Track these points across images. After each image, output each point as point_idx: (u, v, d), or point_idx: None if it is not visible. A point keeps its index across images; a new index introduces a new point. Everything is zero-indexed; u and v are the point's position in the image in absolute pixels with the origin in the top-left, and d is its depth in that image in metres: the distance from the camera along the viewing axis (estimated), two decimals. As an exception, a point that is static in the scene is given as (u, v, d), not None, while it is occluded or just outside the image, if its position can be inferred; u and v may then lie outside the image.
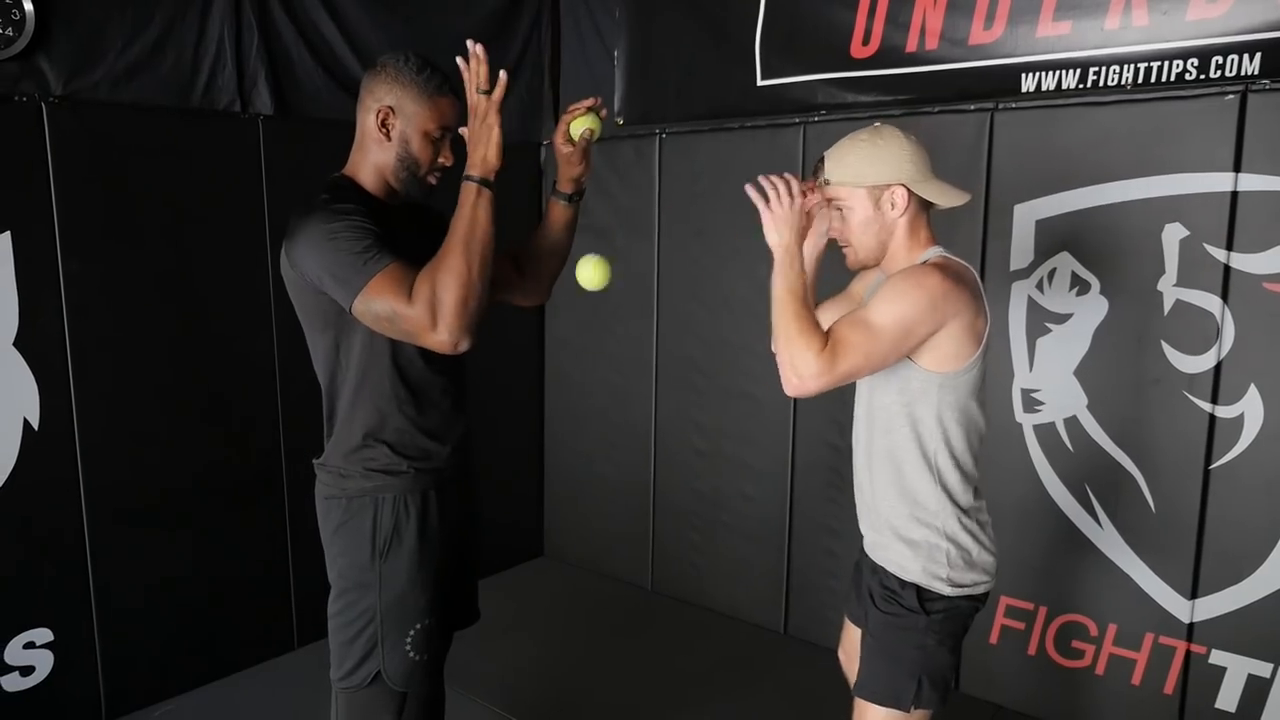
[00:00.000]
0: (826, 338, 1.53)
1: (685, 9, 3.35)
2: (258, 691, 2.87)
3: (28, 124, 2.38)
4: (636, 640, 3.31)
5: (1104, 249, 2.50)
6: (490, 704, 2.79)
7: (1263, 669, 2.37)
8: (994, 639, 2.78)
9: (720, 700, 2.88)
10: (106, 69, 2.53)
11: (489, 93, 1.52)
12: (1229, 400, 2.35)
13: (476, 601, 1.94)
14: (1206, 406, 2.38)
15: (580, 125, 1.71)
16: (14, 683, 2.47)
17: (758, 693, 2.93)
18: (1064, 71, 2.56)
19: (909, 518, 1.68)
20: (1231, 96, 2.27)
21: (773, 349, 1.61)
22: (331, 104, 3.03)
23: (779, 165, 3.06)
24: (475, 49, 1.51)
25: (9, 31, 2.32)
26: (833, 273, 1.87)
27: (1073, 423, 2.60)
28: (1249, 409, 2.33)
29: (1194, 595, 2.45)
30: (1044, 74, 2.59)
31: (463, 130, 1.60)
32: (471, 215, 1.51)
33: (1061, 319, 2.59)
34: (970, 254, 2.69)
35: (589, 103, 1.72)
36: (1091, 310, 2.53)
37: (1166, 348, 2.42)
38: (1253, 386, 2.32)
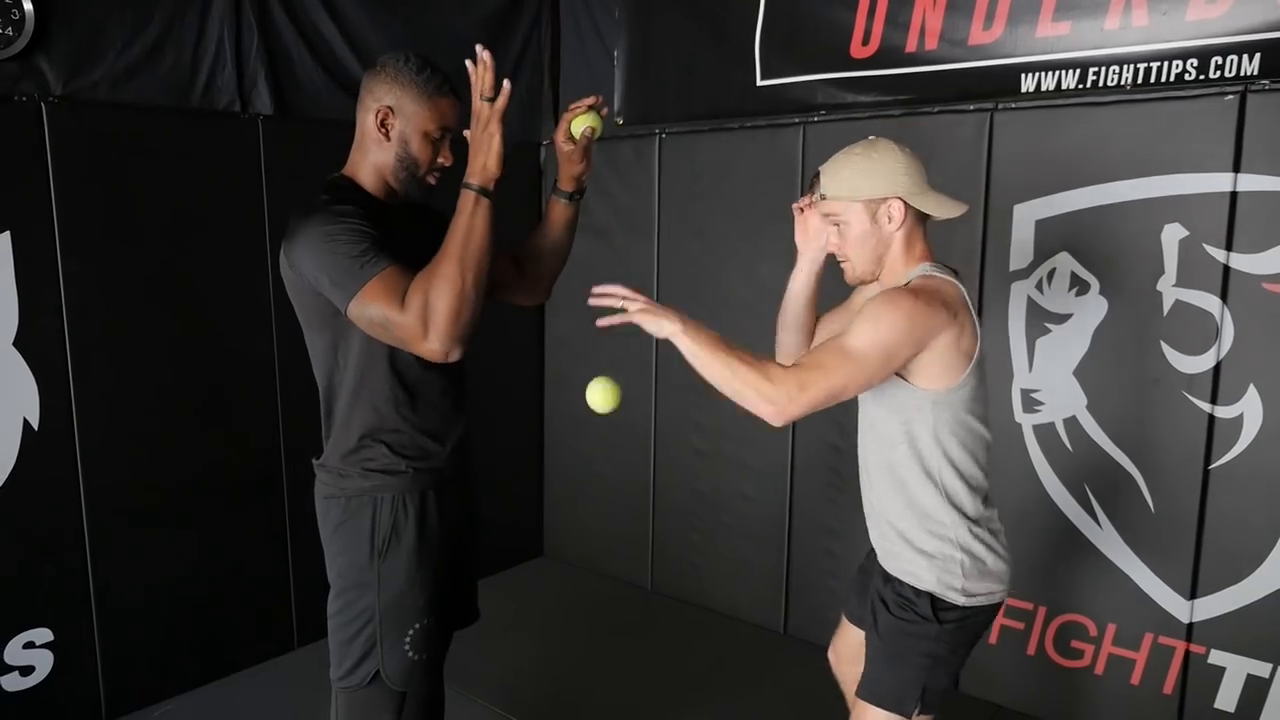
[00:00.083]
0: (773, 362, 1.52)
1: (685, 9, 3.35)
2: (258, 691, 2.87)
3: (27, 124, 2.38)
4: (636, 640, 3.31)
5: (1103, 249, 2.50)
6: (490, 704, 2.79)
7: (1262, 669, 2.37)
8: (993, 639, 2.78)
9: (720, 700, 2.88)
10: (106, 69, 2.53)
11: (493, 100, 1.50)
12: (1228, 400, 2.35)
13: (476, 601, 1.94)
14: (1206, 407, 2.38)
15: (581, 123, 1.71)
16: (14, 682, 2.48)
17: (757, 693, 2.93)
18: (1063, 72, 2.56)
19: (920, 530, 1.67)
20: (1231, 97, 2.27)
21: (736, 404, 1.55)
22: (331, 104, 3.03)
23: (779, 165, 3.11)
24: (483, 55, 1.50)
25: (9, 31, 2.33)
26: (833, 285, 1.88)
27: (1072, 423, 2.60)
28: (1248, 409, 2.33)
29: (1193, 595, 2.45)
30: (1043, 74, 2.59)
31: (467, 133, 1.59)
32: (469, 224, 1.50)
33: (1061, 319, 2.59)
34: (970, 254, 2.70)
35: (590, 101, 1.72)
36: (1091, 310, 2.53)
37: (1166, 348, 2.42)
38: (1252, 387, 2.32)
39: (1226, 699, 2.43)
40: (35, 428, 2.45)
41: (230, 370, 2.86)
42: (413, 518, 1.67)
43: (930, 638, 1.65)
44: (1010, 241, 2.64)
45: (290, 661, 3.05)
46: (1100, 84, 2.50)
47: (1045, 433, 2.65)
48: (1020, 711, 2.77)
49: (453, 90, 1.66)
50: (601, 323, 1.57)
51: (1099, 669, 2.62)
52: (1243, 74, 2.29)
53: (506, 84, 1.50)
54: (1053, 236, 2.57)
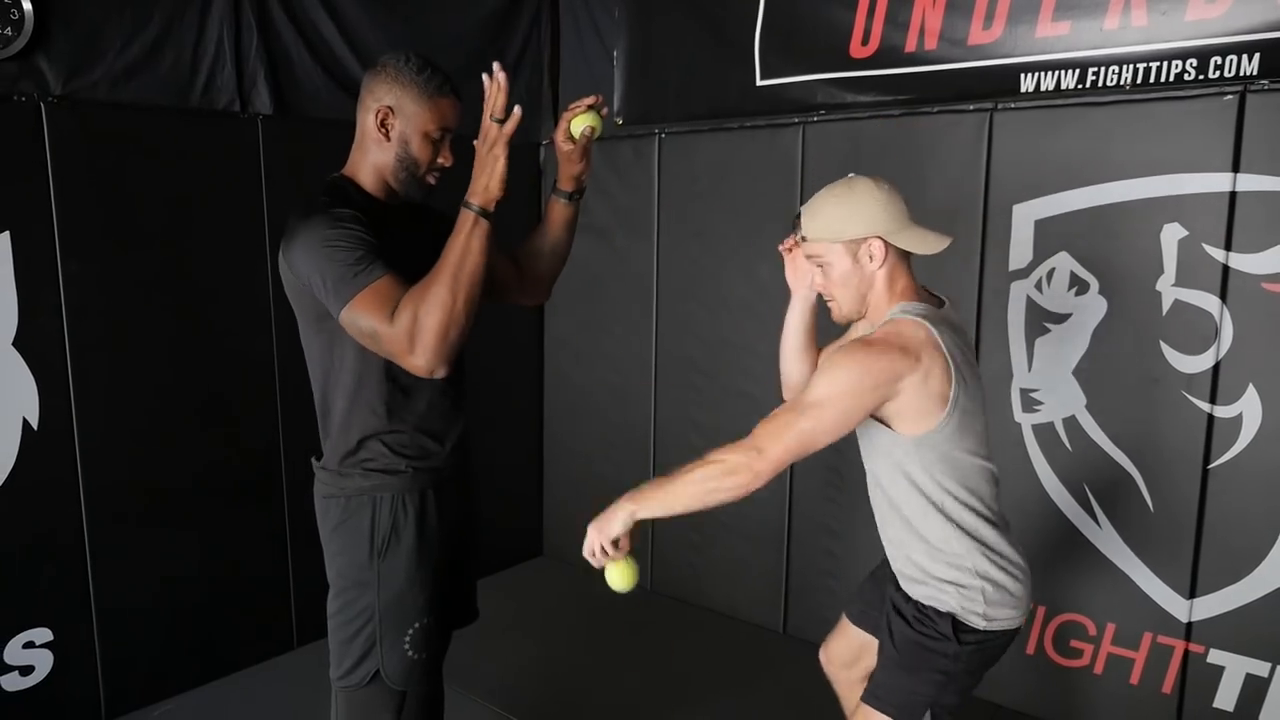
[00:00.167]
0: (722, 447, 1.55)
1: (685, 9, 3.35)
2: (257, 691, 2.87)
3: (27, 124, 2.38)
4: (636, 640, 3.31)
5: (1103, 249, 2.50)
6: (489, 703, 2.79)
7: (1261, 668, 2.37)
8: (993, 638, 2.78)
9: (719, 700, 2.88)
10: (106, 69, 2.53)
11: (502, 122, 1.50)
12: (1227, 400, 2.35)
13: (475, 600, 1.94)
14: (1205, 406, 2.38)
15: (581, 123, 1.71)
16: (13, 682, 2.48)
17: (756, 692, 2.94)
18: (1063, 72, 2.56)
19: (938, 562, 1.67)
20: (1230, 97, 2.28)
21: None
22: (331, 104, 3.03)
23: (778, 165, 3.11)
24: (499, 76, 1.50)
25: (8, 31, 2.32)
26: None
27: (1071, 423, 2.60)
28: (1247, 409, 2.33)
29: (1192, 595, 2.45)
30: (1043, 74, 2.59)
31: (477, 142, 1.58)
32: (465, 245, 1.50)
33: (1060, 319, 2.59)
34: (969, 254, 2.70)
35: (590, 101, 1.72)
36: (1090, 310, 2.53)
37: (1165, 348, 2.42)
38: (1251, 386, 2.32)
39: (1225, 698, 2.43)
40: (35, 427, 2.45)
41: (230, 370, 2.86)
42: (412, 517, 1.67)
43: (948, 655, 1.65)
44: (1010, 241, 2.64)
45: (290, 661, 3.05)
46: (1100, 84, 2.50)
47: (1044, 432, 2.65)
48: (1019, 711, 2.77)
49: (453, 91, 1.66)
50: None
51: (1098, 668, 2.63)
52: (1242, 74, 2.29)
53: (517, 110, 1.50)
54: (1052, 236, 2.57)
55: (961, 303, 2.74)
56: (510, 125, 1.50)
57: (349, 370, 1.62)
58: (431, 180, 1.69)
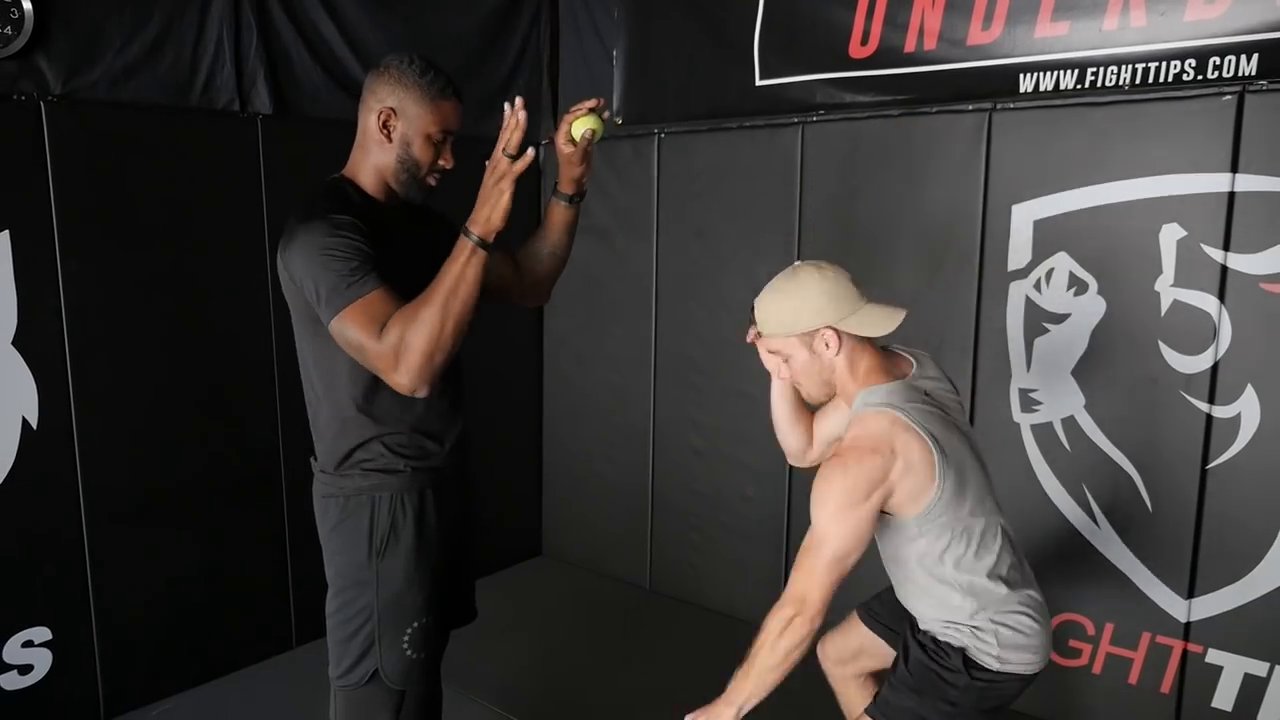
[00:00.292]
0: (769, 621, 1.56)
1: (684, 9, 3.35)
2: (256, 690, 2.87)
3: (27, 123, 2.38)
4: (635, 640, 3.31)
5: (1102, 249, 2.50)
6: (488, 703, 2.79)
7: (1259, 668, 2.38)
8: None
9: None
10: (105, 68, 2.53)
11: (514, 158, 1.50)
12: (1226, 400, 2.35)
13: (474, 600, 1.94)
14: (1203, 406, 2.38)
15: (582, 126, 1.71)
16: (12, 681, 2.48)
17: (756, 692, 2.93)
18: (1062, 72, 2.56)
19: (956, 616, 1.68)
20: (1229, 97, 2.28)
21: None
22: (330, 103, 3.03)
23: (777, 165, 3.11)
24: (519, 113, 1.50)
25: (8, 30, 2.32)
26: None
27: (1070, 423, 2.60)
28: (1246, 409, 2.33)
29: (1191, 594, 2.46)
30: (1042, 74, 2.59)
31: (488, 162, 1.57)
32: (460, 273, 1.50)
33: (1059, 319, 2.59)
34: (968, 254, 2.70)
35: (591, 104, 1.72)
36: (1089, 310, 2.53)
37: (1164, 348, 2.42)
38: (1249, 386, 2.32)
39: (1224, 698, 2.43)
40: (34, 427, 2.45)
41: (229, 369, 2.86)
42: (411, 517, 1.67)
43: (959, 687, 1.67)
44: (1008, 242, 2.64)
45: (289, 660, 3.05)
46: (1099, 84, 2.50)
47: (1043, 432, 2.65)
48: (1018, 710, 2.75)
49: (456, 93, 1.66)
50: None
51: (1097, 668, 2.63)
52: (1241, 74, 2.29)
53: (531, 150, 1.50)
54: (1051, 236, 2.57)
55: (960, 303, 2.75)
56: (521, 164, 1.50)
57: (347, 370, 1.62)
58: (432, 182, 1.69)
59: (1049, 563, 2.67)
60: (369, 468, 1.65)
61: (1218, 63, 2.32)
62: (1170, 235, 2.38)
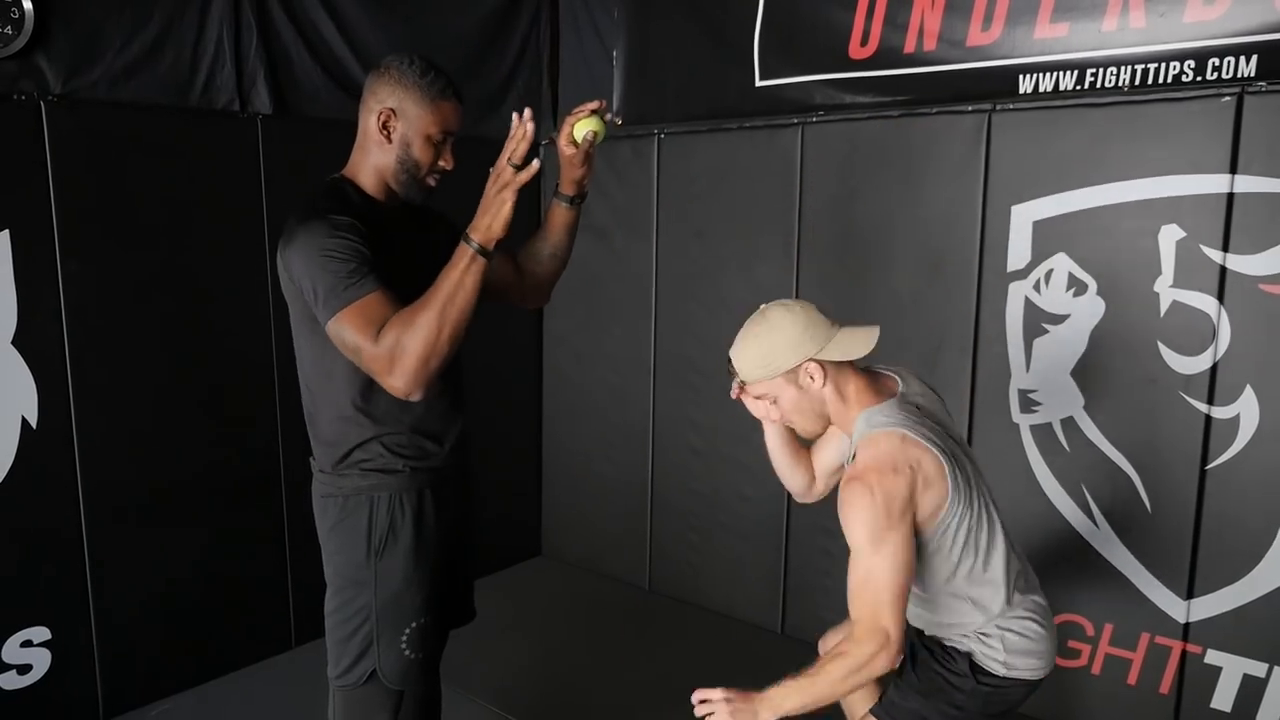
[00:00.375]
0: (840, 645, 1.54)
1: (684, 9, 3.35)
2: (255, 690, 2.87)
3: (27, 123, 2.38)
4: (634, 640, 3.31)
5: (1101, 250, 2.50)
6: (488, 703, 2.79)
7: (1258, 669, 2.38)
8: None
9: (717, 700, 2.88)
10: (105, 68, 2.53)
11: (518, 169, 1.51)
12: (1225, 401, 2.36)
13: (472, 600, 1.94)
14: (1203, 407, 2.38)
15: (584, 128, 1.71)
16: (11, 681, 2.47)
17: (755, 692, 2.93)
18: (1061, 73, 2.56)
19: (961, 626, 1.70)
20: (1228, 98, 2.28)
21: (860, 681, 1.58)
22: (330, 103, 3.03)
23: (777, 166, 3.11)
24: (527, 126, 1.51)
25: (8, 30, 2.33)
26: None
27: (1069, 423, 2.60)
28: (1245, 409, 2.33)
29: (1190, 595, 2.46)
30: (1042, 75, 2.60)
31: (492, 168, 1.57)
32: (458, 280, 1.50)
33: (1058, 320, 2.59)
34: (968, 255, 2.70)
35: (593, 106, 1.72)
36: (1088, 311, 2.53)
37: (1163, 348, 2.42)
38: (1248, 387, 2.33)
39: (1223, 699, 2.43)
40: (34, 426, 2.45)
41: (229, 369, 2.86)
42: (410, 517, 1.67)
43: (964, 691, 1.68)
44: (1008, 242, 2.64)
45: (288, 660, 3.05)
46: (1098, 85, 2.51)
47: (1042, 433, 2.65)
48: (1017, 711, 2.77)
49: (456, 94, 1.66)
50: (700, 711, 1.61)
51: (1096, 669, 2.63)
52: (1240, 75, 2.29)
53: (536, 163, 1.51)
54: (1050, 237, 2.57)
55: (960, 304, 2.75)
56: (525, 175, 1.50)
57: (345, 370, 1.62)
58: (432, 182, 1.70)
59: (1048, 563, 2.67)
60: (368, 468, 1.65)
61: (1217, 64, 2.32)
62: (1169, 236, 2.38)
